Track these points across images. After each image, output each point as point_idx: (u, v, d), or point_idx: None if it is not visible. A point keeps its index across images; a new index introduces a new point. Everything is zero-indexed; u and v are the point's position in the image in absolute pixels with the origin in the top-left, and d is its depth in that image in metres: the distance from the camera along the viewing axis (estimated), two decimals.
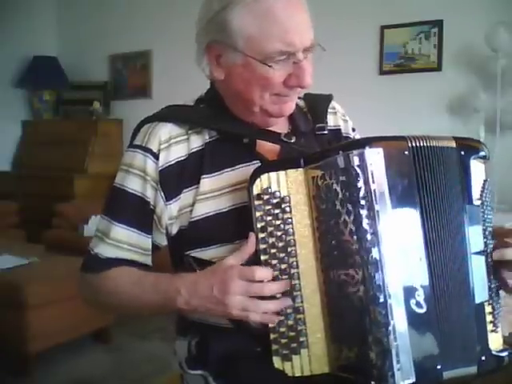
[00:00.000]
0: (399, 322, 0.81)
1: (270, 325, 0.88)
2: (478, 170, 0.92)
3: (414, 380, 0.81)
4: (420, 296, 0.84)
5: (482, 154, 0.93)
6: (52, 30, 5.18)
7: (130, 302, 0.96)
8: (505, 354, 0.90)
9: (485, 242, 0.91)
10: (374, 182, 0.83)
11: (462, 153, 0.91)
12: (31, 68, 4.79)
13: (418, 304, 0.83)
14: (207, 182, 0.97)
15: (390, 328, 0.81)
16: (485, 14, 3.23)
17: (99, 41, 4.91)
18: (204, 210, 0.96)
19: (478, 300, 0.89)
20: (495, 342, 0.90)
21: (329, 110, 1.11)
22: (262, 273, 0.86)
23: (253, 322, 0.87)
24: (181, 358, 1.00)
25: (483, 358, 0.88)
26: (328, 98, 1.13)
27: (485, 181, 0.93)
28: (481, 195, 0.92)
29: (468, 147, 0.92)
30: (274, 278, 0.87)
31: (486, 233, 0.92)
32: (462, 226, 0.89)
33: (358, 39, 3.69)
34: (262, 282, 0.86)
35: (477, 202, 0.91)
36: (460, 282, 0.88)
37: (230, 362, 0.94)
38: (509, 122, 3.15)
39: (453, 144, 0.91)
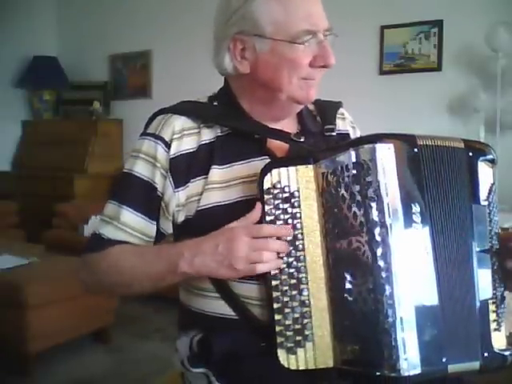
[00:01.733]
0: (406, 313, 0.82)
1: (276, 317, 0.88)
2: (485, 172, 0.94)
3: (420, 371, 0.82)
4: (428, 289, 0.85)
5: (489, 157, 0.95)
6: (52, 30, 5.19)
7: (131, 274, 0.97)
8: (508, 353, 0.91)
9: (490, 242, 0.92)
10: (384, 176, 0.84)
11: (470, 154, 0.93)
12: (31, 68, 4.80)
13: (426, 296, 0.84)
14: (216, 173, 0.99)
15: (398, 319, 0.81)
16: (485, 14, 3.24)
17: (99, 41, 4.91)
18: (211, 199, 0.97)
19: (481, 297, 0.90)
20: (498, 340, 0.91)
21: (338, 116, 1.14)
22: (269, 229, 0.88)
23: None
24: (182, 355, 1.00)
25: (486, 354, 0.88)
26: (337, 105, 1.16)
27: (492, 184, 0.95)
28: (487, 197, 0.93)
29: (476, 149, 0.94)
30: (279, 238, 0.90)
31: (492, 233, 0.93)
32: (468, 224, 0.90)
33: (358, 39, 3.69)
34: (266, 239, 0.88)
35: (484, 203, 0.93)
36: (464, 278, 0.89)
37: (232, 360, 0.94)
38: (509, 122, 3.16)
39: (461, 145, 0.93)
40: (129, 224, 0.99)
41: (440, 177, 0.89)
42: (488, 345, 0.89)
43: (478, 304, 0.89)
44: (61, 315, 2.67)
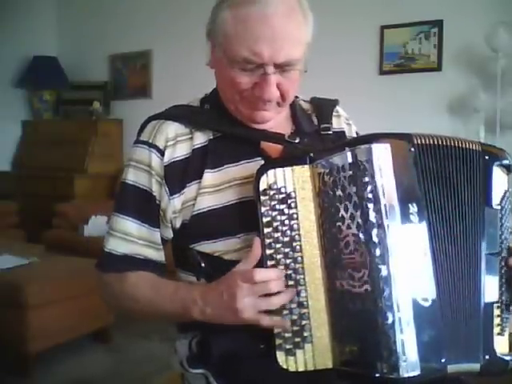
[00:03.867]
0: (405, 314, 0.82)
1: (274, 319, 0.87)
2: (500, 178, 0.94)
3: (419, 372, 0.82)
4: (426, 289, 0.84)
5: (505, 162, 0.95)
6: (52, 29, 5.18)
7: (146, 306, 0.98)
8: (509, 358, 0.90)
9: (500, 246, 0.92)
10: (381, 176, 0.84)
11: (487, 157, 0.92)
12: (31, 68, 4.79)
13: (424, 297, 0.84)
14: (210, 177, 0.98)
15: (396, 320, 0.81)
16: (485, 14, 3.24)
17: (99, 41, 4.91)
18: (206, 203, 0.97)
19: (487, 299, 0.89)
20: (501, 345, 0.90)
21: (333, 114, 1.13)
22: (262, 274, 0.86)
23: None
24: (182, 356, 1.01)
25: (487, 357, 0.88)
26: (333, 103, 1.14)
27: (506, 191, 0.95)
28: (500, 201, 0.93)
29: (492, 154, 0.94)
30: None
31: (502, 238, 0.93)
32: (478, 225, 0.90)
33: (358, 39, 3.69)
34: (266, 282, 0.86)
35: (496, 207, 0.92)
36: (469, 279, 0.88)
37: (231, 361, 0.94)
38: (509, 122, 3.16)
39: (475, 147, 0.92)
40: (135, 234, 0.99)
41: (442, 176, 0.88)
42: (490, 348, 0.89)
43: (482, 306, 0.89)
44: (61, 315, 2.67)
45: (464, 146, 0.91)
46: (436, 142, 0.89)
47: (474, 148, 0.92)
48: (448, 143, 0.90)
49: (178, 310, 0.92)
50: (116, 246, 1.00)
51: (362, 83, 3.67)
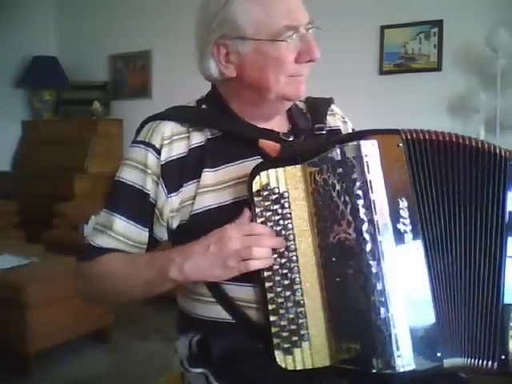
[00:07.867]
0: (398, 309, 0.82)
1: (271, 318, 0.89)
2: None
3: (414, 367, 0.82)
4: (419, 283, 0.85)
5: None
6: (52, 30, 5.18)
7: (122, 282, 0.97)
8: None
9: None
10: (369, 172, 0.85)
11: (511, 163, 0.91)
12: (31, 68, 4.79)
13: (418, 292, 0.84)
14: (208, 176, 0.98)
15: (389, 316, 0.82)
16: (485, 14, 3.24)
17: (99, 41, 4.91)
18: (205, 203, 0.98)
19: (506, 301, 0.89)
20: None
21: (328, 113, 1.13)
22: (260, 228, 0.89)
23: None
24: (182, 356, 1.01)
25: (503, 356, 0.88)
26: (328, 102, 1.15)
27: None
28: None
29: None
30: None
31: None
32: (496, 226, 0.89)
33: (358, 39, 3.69)
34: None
35: None
36: (479, 278, 0.88)
37: (231, 361, 0.94)
38: (509, 122, 3.15)
39: (498, 151, 0.91)
40: (121, 232, 0.99)
41: (435, 173, 0.88)
42: (505, 349, 0.88)
43: (500, 307, 0.88)
44: (61, 315, 2.67)
45: (472, 144, 0.91)
46: (427, 138, 0.89)
47: (492, 151, 0.91)
48: (441, 138, 0.89)
49: (154, 276, 0.92)
50: (101, 241, 1.00)
51: (361, 83, 3.67)
